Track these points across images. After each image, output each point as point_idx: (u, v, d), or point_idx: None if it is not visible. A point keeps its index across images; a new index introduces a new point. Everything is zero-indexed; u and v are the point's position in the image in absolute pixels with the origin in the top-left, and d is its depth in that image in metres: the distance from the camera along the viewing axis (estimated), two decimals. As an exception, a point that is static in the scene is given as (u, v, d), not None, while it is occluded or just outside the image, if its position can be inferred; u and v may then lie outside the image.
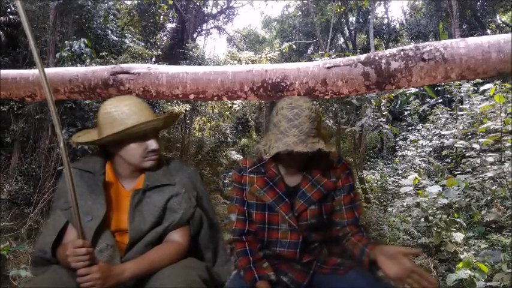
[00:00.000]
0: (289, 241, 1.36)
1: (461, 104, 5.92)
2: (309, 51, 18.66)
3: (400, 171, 7.11)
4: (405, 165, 6.99)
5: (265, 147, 1.34)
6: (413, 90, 9.36)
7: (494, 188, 3.63)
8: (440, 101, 9.46)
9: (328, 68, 1.52)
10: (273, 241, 1.39)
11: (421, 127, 7.39)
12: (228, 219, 1.45)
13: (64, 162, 1.10)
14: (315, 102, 1.42)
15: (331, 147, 1.35)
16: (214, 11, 18.11)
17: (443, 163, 6.14)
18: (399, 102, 11.75)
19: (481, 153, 3.95)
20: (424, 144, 6.64)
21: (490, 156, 3.76)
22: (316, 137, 1.32)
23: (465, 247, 2.93)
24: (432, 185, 3.54)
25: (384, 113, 6.02)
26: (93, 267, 1.14)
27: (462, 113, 5.46)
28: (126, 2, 10.90)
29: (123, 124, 1.34)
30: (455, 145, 4.50)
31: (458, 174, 4.33)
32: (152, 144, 1.39)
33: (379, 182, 6.81)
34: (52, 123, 5.83)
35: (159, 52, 11.11)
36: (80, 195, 1.29)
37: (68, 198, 1.37)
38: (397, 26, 18.40)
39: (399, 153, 8.05)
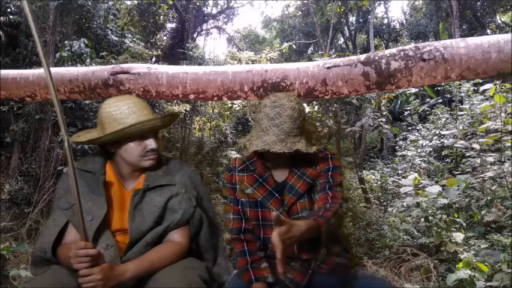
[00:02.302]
0: None
1: (461, 104, 5.91)
2: (309, 51, 18.67)
3: (400, 171, 7.11)
4: (405, 165, 6.99)
5: (247, 143, 1.38)
6: (413, 90, 9.35)
7: (494, 188, 3.62)
8: (440, 101, 9.46)
9: (328, 68, 1.52)
10: (269, 238, 1.38)
11: (421, 127, 7.39)
12: (227, 219, 1.45)
13: (68, 162, 1.10)
14: (298, 100, 1.40)
15: (311, 147, 1.34)
16: (214, 11, 18.11)
17: (443, 163, 6.14)
18: (399, 102, 11.75)
19: (481, 153, 3.95)
20: (424, 144, 6.64)
21: (490, 156, 3.76)
22: (298, 136, 1.33)
23: (465, 247, 2.92)
24: (432, 185, 3.54)
25: (384, 113, 6.02)
26: (95, 268, 1.15)
27: (462, 113, 5.46)
28: (126, 2, 10.89)
29: (122, 123, 1.34)
30: (455, 145, 4.49)
31: (458, 174, 4.32)
32: (151, 143, 1.39)
33: (379, 182, 6.81)
34: (52, 123, 5.84)
35: (159, 52, 11.10)
36: (81, 195, 1.30)
37: (68, 198, 1.38)
38: (397, 26, 18.40)
39: (399, 153, 8.05)
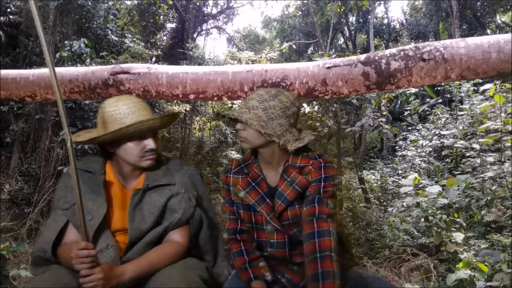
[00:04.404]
0: (276, 241, 1.35)
1: (461, 104, 5.91)
2: (309, 51, 18.66)
3: (400, 171, 7.11)
4: (405, 165, 6.99)
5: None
6: (413, 90, 9.35)
7: (494, 188, 3.62)
8: (440, 101, 9.46)
9: (328, 68, 1.52)
10: (263, 241, 1.38)
11: (421, 127, 7.39)
12: (226, 219, 1.46)
13: (70, 161, 1.10)
14: (285, 97, 1.39)
15: (280, 138, 1.28)
16: (214, 11, 18.11)
17: (443, 163, 6.14)
18: (399, 102, 11.76)
19: (481, 153, 3.95)
20: (424, 144, 6.64)
21: (490, 156, 3.75)
22: (264, 119, 1.29)
23: (465, 247, 2.92)
24: (432, 185, 3.54)
25: (384, 113, 6.02)
26: (95, 268, 1.15)
27: (462, 113, 5.46)
28: (126, 2, 10.89)
29: (121, 123, 1.34)
30: (455, 145, 4.49)
31: (458, 174, 4.32)
32: (150, 143, 1.39)
33: (379, 182, 6.81)
34: (52, 123, 5.85)
35: (159, 52, 11.10)
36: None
37: (68, 198, 1.38)
38: (397, 26, 18.40)
39: (399, 153, 8.05)
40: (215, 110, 10.63)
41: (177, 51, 12.67)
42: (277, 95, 1.35)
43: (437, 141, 6.22)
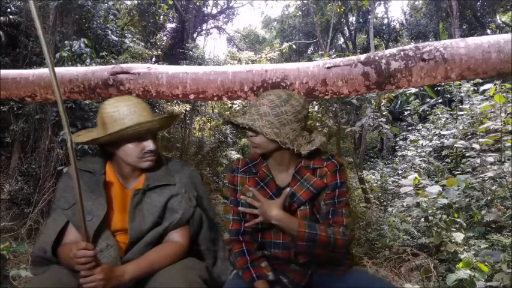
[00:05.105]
0: (282, 242, 1.35)
1: (461, 104, 5.91)
2: (309, 51, 18.67)
3: (400, 171, 7.10)
4: (405, 165, 6.99)
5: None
6: (413, 90, 9.35)
7: (494, 188, 3.62)
8: (440, 101, 9.46)
9: (328, 68, 1.52)
10: (267, 242, 1.38)
11: (421, 127, 7.39)
12: (227, 219, 1.45)
13: (71, 161, 1.09)
14: (295, 100, 1.34)
15: (292, 143, 1.27)
16: (214, 11, 18.12)
17: (443, 163, 6.14)
18: (399, 102, 11.76)
19: (481, 153, 3.95)
20: (424, 144, 6.64)
21: (490, 156, 3.76)
22: (273, 125, 1.27)
23: (465, 247, 2.92)
24: (432, 185, 3.54)
25: (384, 113, 6.02)
26: (95, 269, 1.15)
27: (462, 113, 5.46)
28: (126, 2, 10.89)
29: (120, 125, 1.34)
30: (455, 145, 4.49)
31: (458, 174, 4.32)
32: (149, 145, 1.39)
33: (379, 182, 6.81)
34: (52, 123, 5.85)
35: (159, 52, 11.11)
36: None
37: (68, 198, 1.38)
38: (397, 26, 18.41)
39: (399, 153, 8.05)
40: (219, 111, 10.67)
41: (177, 51, 12.69)
42: (288, 99, 1.32)
43: (437, 141, 6.21)
